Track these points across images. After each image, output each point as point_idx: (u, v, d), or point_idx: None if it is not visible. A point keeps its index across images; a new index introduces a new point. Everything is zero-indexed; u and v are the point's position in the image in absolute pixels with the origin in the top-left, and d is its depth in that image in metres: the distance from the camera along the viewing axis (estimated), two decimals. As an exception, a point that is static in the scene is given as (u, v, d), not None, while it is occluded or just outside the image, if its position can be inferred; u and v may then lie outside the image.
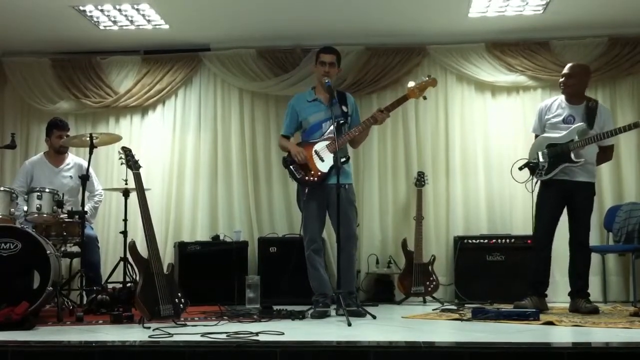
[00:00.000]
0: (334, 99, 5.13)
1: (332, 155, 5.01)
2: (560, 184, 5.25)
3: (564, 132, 5.26)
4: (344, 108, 5.21)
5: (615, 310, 5.35)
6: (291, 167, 5.14)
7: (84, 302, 5.40)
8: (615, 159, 6.67)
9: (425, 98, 5.28)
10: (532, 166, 5.33)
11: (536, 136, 5.51)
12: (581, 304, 5.12)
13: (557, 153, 5.23)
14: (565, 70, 5.39)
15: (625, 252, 6.22)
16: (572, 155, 5.18)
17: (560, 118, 5.34)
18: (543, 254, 5.32)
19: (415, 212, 6.57)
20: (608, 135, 5.17)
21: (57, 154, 6.18)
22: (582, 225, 5.27)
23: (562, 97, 5.43)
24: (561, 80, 5.38)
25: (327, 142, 5.11)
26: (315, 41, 6.41)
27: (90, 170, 5.63)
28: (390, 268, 6.69)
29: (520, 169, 5.42)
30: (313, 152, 5.13)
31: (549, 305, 5.35)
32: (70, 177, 6.12)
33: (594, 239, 6.46)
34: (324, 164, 5.07)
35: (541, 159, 5.28)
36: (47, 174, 6.05)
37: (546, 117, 5.42)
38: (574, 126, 5.24)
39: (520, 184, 5.52)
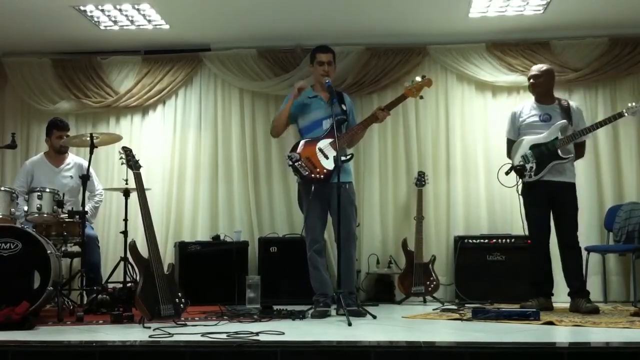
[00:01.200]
0: (335, 98, 5.13)
1: (335, 152, 5.00)
2: (545, 185, 5.30)
3: (546, 131, 5.33)
4: (343, 107, 5.23)
5: (616, 310, 5.35)
6: (295, 164, 5.11)
7: (84, 302, 5.40)
8: (616, 159, 6.73)
9: (421, 97, 5.29)
10: (519, 169, 5.36)
11: (510, 141, 5.59)
12: (581, 303, 5.12)
13: (543, 152, 5.28)
14: (533, 71, 5.52)
15: (626, 252, 6.21)
16: (560, 152, 5.24)
17: (537, 117, 5.42)
18: (540, 255, 5.37)
19: (416, 212, 6.57)
20: (595, 128, 5.30)
21: (57, 154, 6.19)
22: (569, 225, 5.30)
23: (531, 100, 5.55)
24: (530, 81, 5.51)
25: (330, 140, 5.10)
26: (315, 41, 6.39)
27: (91, 170, 5.63)
28: (390, 268, 6.69)
29: (507, 173, 5.46)
30: (317, 149, 5.11)
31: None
32: (71, 177, 6.13)
33: (594, 239, 6.50)
34: (329, 161, 5.05)
35: (527, 161, 5.32)
36: (47, 174, 6.05)
37: (520, 119, 5.50)
38: (555, 124, 5.32)
39: (509, 188, 5.54)
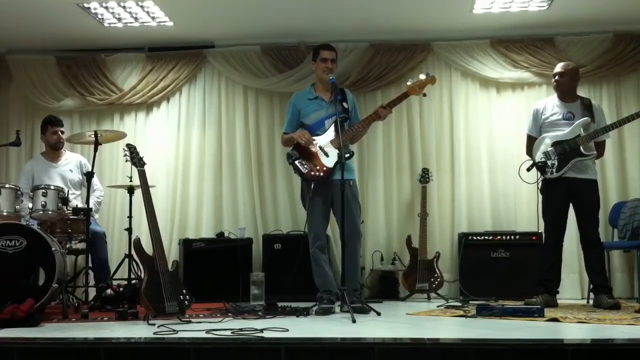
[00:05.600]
0: (338, 95, 5.13)
1: (336, 150, 5.00)
2: (566, 182, 5.32)
3: (568, 129, 5.35)
4: (345, 104, 5.21)
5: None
6: (296, 162, 5.13)
7: (89, 299, 5.41)
8: (620, 155, 6.73)
9: (425, 95, 5.29)
10: (540, 166, 5.38)
11: (530, 137, 5.59)
12: (603, 299, 5.18)
13: (565, 149, 5.30)
14: (558, 69, 5.51)
15: (630, 248, 6.20)
16: (582, 149, 5.27)
17: (560, 115, 5.44)
18: (552, 252, 5.39)
19: (420, 208, 6.57)
20: (617, 126, 5.36)
21: (53, 151, 6.17)
22: (591, 222, 5.34)
23: (554, 97, 5.55)
24: (554, 78, 5.50)
25: (331, 138, 5.11)
26: (319, 38, 6.41)
27: (88, 165, 5.65)
28: (394, 265, 6.69)
29: (528, 169, 5.50)
30: (318, 147, 5.13)
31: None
32: (70, 170, 6.11)
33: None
34: (329, 159, 5.07)
35: (549, 158, 5.33)
36: (46, 171, 6.03)
37: (543, 116, 5.52)
38: (577, 121, 5.35)
39: (530, 184, 5.58)
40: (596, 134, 5.28)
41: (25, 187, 5.87)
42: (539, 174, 5.47)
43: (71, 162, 6.19)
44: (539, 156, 5.45)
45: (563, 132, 5.36)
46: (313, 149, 5.12)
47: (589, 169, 5.36)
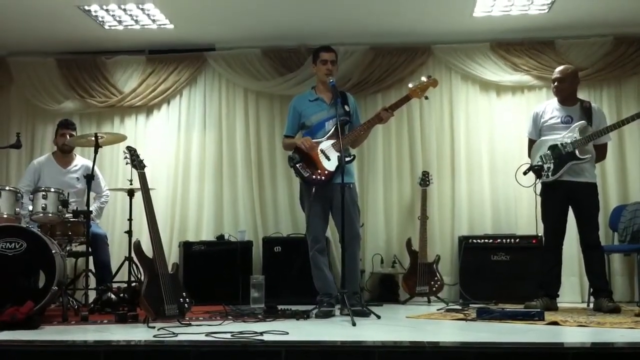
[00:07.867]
0: (338, 97, 5.13)
1: (338, 154, 5.00)
2: (563, 185, 5.32)
3: (565, 132, 5.36)
4: (346, 107, 5.22)
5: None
6: (297, 166, 5.13)
7: (90, 301, 5.41)
8: (621, 159, 6.72)
9: (427, 98, 5.30)
10: (537, 169, 5.39)
11: (531, 141, 5.60)
12: (603, 302, 5.17)
13: (561, 153, 5.30)
14: (557, 74, 5.50)
15: (630, 252, 6.19)
16: (577, 153, 5.26)
17: (558, 119, 5.45)
18: (551, 255, 5.39)
19: (420, 211, 6.56)
20: (612, 129, 5.32)
21: (63, 154, 6.19)
22: (591, 225, 5.34)
23: (554, 101, 5.55)
24: (554, 84, 5.49)
25: (332, 141, 5.11)
26: (319, 41, 6.40)
27: (97, 171, 5.63)
28: (394, 268, 6.69)
29: (525, 173, 5.51)
30: (319, 151, 5.13)
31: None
32: (77, 178, 6.12)
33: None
34: (331, 163, 5.07)
35: (545, 162, 5.33)
36: (54, 175, 6.05)
37: (542, 120, 5.52)
38: (574, 125, 5.35)
39: (526, 188, 5.58)
40: (593, 136, 5.28)
41: (29, 185, 5.89)
42: (535, 177, 5.47)
43: (80, 169, 6.17)
44: (536, 160, 5.46)
45: (560, 136, 5.37)
46: (314, 153, 5.12)
47: (586, 172, 5.35)
